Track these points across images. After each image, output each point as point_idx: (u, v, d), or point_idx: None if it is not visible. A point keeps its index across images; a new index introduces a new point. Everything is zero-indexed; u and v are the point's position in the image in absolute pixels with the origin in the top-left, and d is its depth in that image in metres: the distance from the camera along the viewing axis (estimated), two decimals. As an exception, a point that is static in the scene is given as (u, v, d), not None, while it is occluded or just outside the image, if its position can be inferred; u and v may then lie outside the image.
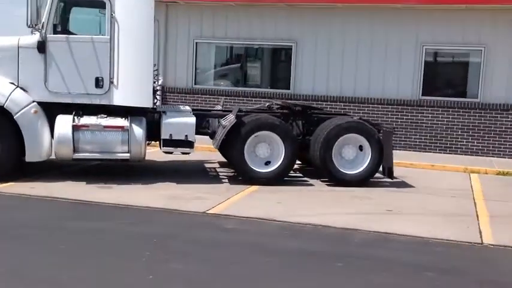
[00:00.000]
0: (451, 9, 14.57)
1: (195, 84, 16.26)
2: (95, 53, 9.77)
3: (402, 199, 9.81)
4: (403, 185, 11.08)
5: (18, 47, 9.73)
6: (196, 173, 11.26)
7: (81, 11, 10.20)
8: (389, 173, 10.72)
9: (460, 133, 14.93)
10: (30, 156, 9.58)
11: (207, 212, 8.31)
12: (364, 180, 10.61)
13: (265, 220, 8.00)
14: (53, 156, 9.98)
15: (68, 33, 9.97)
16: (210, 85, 16.31)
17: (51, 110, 9.88)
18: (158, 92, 11.34)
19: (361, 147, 10.69)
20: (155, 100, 10.98)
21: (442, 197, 10.13)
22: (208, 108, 12.89)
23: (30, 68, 9.74)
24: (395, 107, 15.24)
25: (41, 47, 9.66)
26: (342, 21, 15.28)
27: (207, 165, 12.19)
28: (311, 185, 10.69)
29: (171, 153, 10.51)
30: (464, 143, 14.95)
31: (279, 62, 16.44)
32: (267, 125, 10.35)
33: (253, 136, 10.29)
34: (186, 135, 10.03)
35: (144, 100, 9.87)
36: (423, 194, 10.33)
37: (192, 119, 10.11)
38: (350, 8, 15.10)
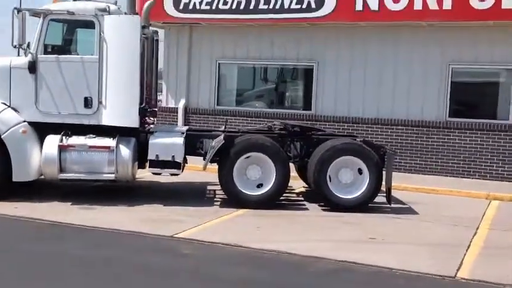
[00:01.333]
0: (477, 26, 13.81)
1: (217, 105, 16.12)
2: (84, 73, 9.82)
3: (394, 227, 9.23)
4: (406, 211, 10.46)
5: (10, 68, 9.91)
6: (192, 195, 11.02)
7: (71, 31, 10.24)
8: (387, 195, 10.16)
9: (489, 157, 14.01)
10: (17, 176, 9.66)
11: (175, 235, 8.05)
12: (361, 205, 10.08)
13: (228, 246, 7.67)
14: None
15: (59, 54, 10.01)
16: (232, 106, 16.12)
17: (43, 130, 9.95)
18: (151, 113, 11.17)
19: (360, 171, 10.18)
20: (151, 120, 10.91)
21: (442, 225, 9.46)
22: (211, 129, 12.64)
23: (22, 88, 9.88)
24: (420, 129, 14.51)
25: (32, 67, 9.78)
26: (364, 40, 14.78)
27: (210, 187, 11.94)
28: (306, 209, 10.25)
29: (159, 174, 10.36)
30: (495, 167, 14.01)
31: (300, 82, 16.08)
32: (257, 146, 10.03)
33: (243, 158, 10.00)
34: (173, 156, 9.86)
35: (129, 120, 9.79)
36: (422, 221, 9.69)
37: (180, 140, 9.93)
38: (373, 27, 14.59)
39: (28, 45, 9.51)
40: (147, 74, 11.23)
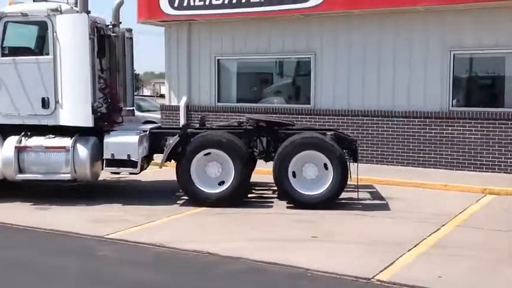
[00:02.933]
0: (479, 8, 12.94)
1: (218, 102, 15.87)
2: (40, 74, 9.79)
3: (349, 225, 8.69)
4: (378, 208, 9.89)
5: (-32, 71, 9.99)
6: (161, 193, 10.81)
7: (27, 32, 10.23)
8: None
9: (496, 148, 13.13)
10: (-22, 177, 9.75)
11: (106, 236, 7.86)
12: (326, 202, 9.57)
13: (151, 246, 7.40)
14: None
15: (16, 55, 10.01)
16: (232, 102, 15.82)
17: (7, 132, 10.00)
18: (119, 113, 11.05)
19: (326, 166, 9.68)
20: (119, 119, 10.81)
21: (407, 223, 8.82)
22: (176, 126, 12.21)
23: (-20, 91, 9.94)
24: (422, 120, 13.76)
25: (-11, 69, 9.84)
26: (361, 29, 14.16)
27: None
28: (270, 207, 9.86)
29: (118, 173, 10.22)
30: (503, 159, 13.11)
31: (298, 76, 15.58)
32: (212, 143, 9.72)
33: (201, 155, 9.71)
34: (129, 155, 9.68)
35: (82, 120, 9.68)
36: (386, 218, 9.11)
37: (134, 138, 9.74)
38: (369, 14, 13.96)
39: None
40: (118, 73, 11.19)
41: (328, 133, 10.23)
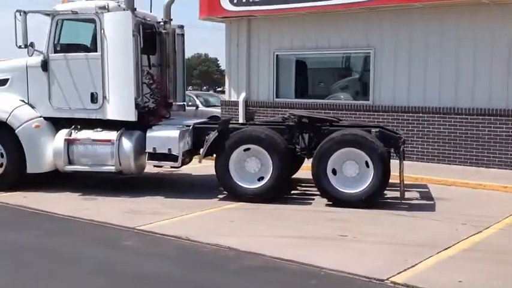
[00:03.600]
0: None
1: (276, 97, 15.83)
2: (89, 70, 10.13)
3: (385, 225, 8.43)
4: (422, 208, 9.56)
5: (26, 67, 10.50)
6: (204, 188, 10.85)
7: (78, 29, 10.58)
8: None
9: None
10: (30, 168, 10.23)
11: (136, 227, 8.01)
12: (365, 201, 9.34)
13: (175, 239, 7.48)
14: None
15: (67, 52, 10.39)
16: (291, 98, 15.73)
17: (60, 125, 10.43)
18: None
19: (367, 164, 9.44)
20: (167, 114, 11.02)
21: (446, 224, 8.45)
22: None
23: (37, 86, 10.42)
24: (487, 118, 13.13)
25: (44, 66, 10.30)
26: (422, 22, 13.69)
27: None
28: (308, 204, 9.72)
29: (160, 167, 10.42)
30: None
31: (358, 71, 15.27)
32: (251, 138, 9.70)
33: (239, 150, 9.73)
34: (170, 149, 9.83)
35: (126, 114, 9.93)
36: (426, 219, 8.76)
37: (175, 133, 9.87)
38: (430, 7, 13.46)
39: (31, 45, 9.95)
40: (169, 69, 11.40)
41: (373, 130, 9.97)
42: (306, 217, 8.83)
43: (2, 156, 10.27)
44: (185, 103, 12.17)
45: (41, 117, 10.41)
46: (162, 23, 11.39)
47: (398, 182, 9.42)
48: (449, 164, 13.46)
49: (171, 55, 11.45)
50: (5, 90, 10.61)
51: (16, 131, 10.18)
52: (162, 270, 6.37)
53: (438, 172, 12.46)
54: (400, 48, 13.98)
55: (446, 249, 7.18)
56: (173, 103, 11.55)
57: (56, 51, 10.34)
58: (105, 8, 9.95)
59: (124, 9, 9.90)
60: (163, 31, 11.37)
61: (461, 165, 13.40)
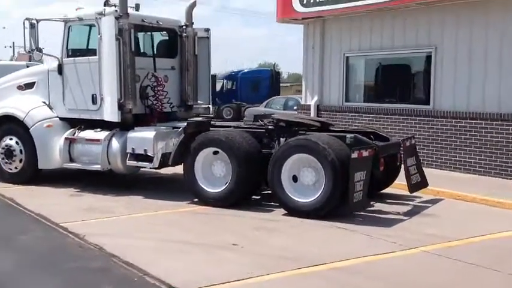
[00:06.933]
0: None
1: (345, 101, 15.11)
2: (91, 73, 10.78)
3: (298, 236, 7.86)
4: (379, 223, 8.56)
5: (48, 71, 11.52)
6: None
7: (85, 35, 11.23)
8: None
9: None
10: (41, 164, 11.21)
11: (62, 223, 8.29)
12: (319, 210, 8.64)
13: (74, 236, 7.74)
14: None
15: (76, 56, 11.18)
16: (359, 102, 14.89)
17: (75, 125, 11.29)
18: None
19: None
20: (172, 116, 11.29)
21: (373, 241, 7.52)
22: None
23: (55, 88, 11.37)
24: (553, 126, 11.19)
25: (59, 69, 11.21)
26: (483, 19, 12.09)
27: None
28: (268, 211, 9.21)
29: (138, 168, 10.65)
30: None
31: (418, 73, 13.88)
32: (212, 141, 9.51)
33: (205, 153, 9.61)
34: (145, 150, 10.06)
35: (112, 115, 10.36)
36: (360, 235, 7.87)
37: (151, 134, 10.04)
38: (494, 4, 11.86)
39: (39, 50, 10.88)
40: (188, 72, 11.66)
41: (348, 136, 9.17)
42: (236, 224, 8.46)
43: (21, 153, 11.39)
44: (210, 106, 12.28)
45: (57, 117, 11.32)
46: (184, 27, 11.68)
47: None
48: (508, 178, 11.65)
49: (191, 58, 11.68)
50: (32, 93, 11.74)
51: (30, 130, 11.23)
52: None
53: (479, 187, 10.82)
54: (460, 47, 12.50)
55: (317, 265, 6.49)
56: (193, 105, 11.78)
57: (68, 56, 11.19)
58: (101, 14, 10.51)
59: (117, 15, 10.31)
60: (183, 34, 11.65)
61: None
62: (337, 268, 6.46)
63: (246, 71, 34.05)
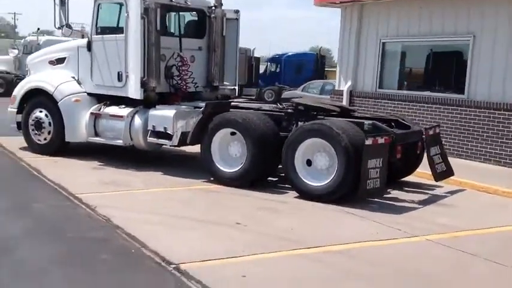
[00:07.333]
0: None
1: (379, 88, 14.84)
2: (117, 50, 10.92)
3: (307, 219, 7.80)
4: (390, 210, 8.42)
5: (78, 48, 11.74)
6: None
7: (114, 12, 11.35)
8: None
9: None
10: (68, 137, 11.45)
11: (78, 194, 8.46)
12: (331, 195, 8.54)
13: (85, 207, 7.90)
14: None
15: (105, 33, 11.32)
16: (393, 89, 14.60)
17: (102, 101, 11.49)
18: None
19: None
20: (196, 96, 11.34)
21: (379, 227, 7.41)
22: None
23: (84, 64, 11.57)
24: None
25: (88, 46, 11.40)
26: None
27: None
28: (280, 193, 9.16)
29: (159, 145, 10.73)
30: None
31: (455, 61, 13.47)
32: (229, 122, 9.51)
33: (223, 133, 9.62)
34: (165, 128, 10.15)
35: (135, 92, 10.52)
36: (368, 221, 7.75)
37: (171, 112, 10.12)
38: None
39: (68, 26, 11.10)
40: (215, 52, 11.70)
41: (366, 122, 9.03)
42: (245, 204, 8.45)
43: (50, 125, 11.67)
44: (236, 87, 12.27)
45: (85, 92, 11.54)
46: (213, 8, 11.69)
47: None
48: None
49: (219, 39, 11.70)
50: (63, 68, 11.98)
51: (58, 103, 11.48)
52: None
53: (505, 180, 10.50)
54: (500, 35, 12.09)
55: (314, 247, 6.48)
56: (218, 86, 11.82)
57: (97, 33, 11.36)
58: (129, -9, 10.62)
59: (147, -7, 10.41)
60: (212, 15, 11.67)
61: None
62: (333, 251, 6.41)
63: (290, 54, 33.81)
